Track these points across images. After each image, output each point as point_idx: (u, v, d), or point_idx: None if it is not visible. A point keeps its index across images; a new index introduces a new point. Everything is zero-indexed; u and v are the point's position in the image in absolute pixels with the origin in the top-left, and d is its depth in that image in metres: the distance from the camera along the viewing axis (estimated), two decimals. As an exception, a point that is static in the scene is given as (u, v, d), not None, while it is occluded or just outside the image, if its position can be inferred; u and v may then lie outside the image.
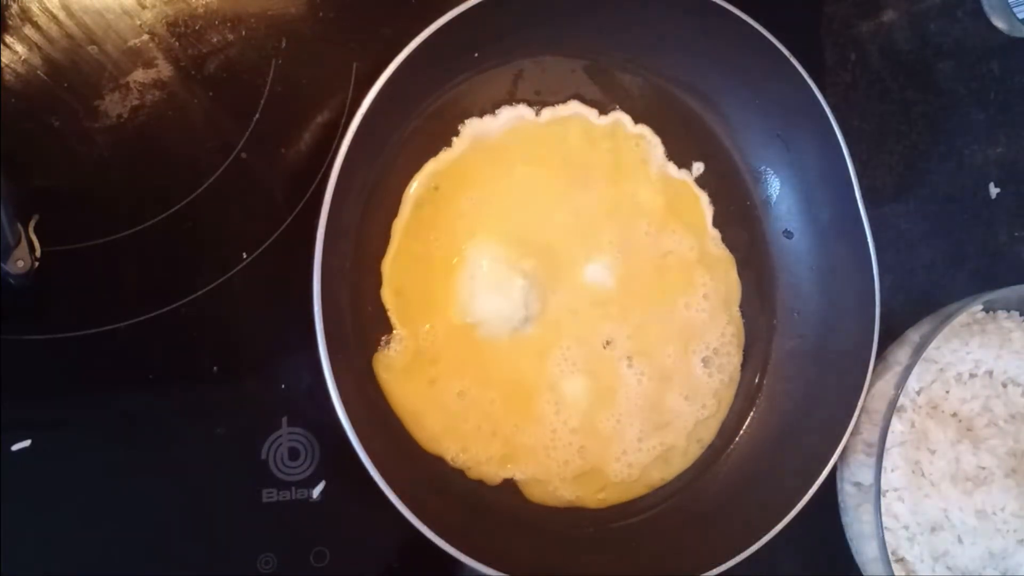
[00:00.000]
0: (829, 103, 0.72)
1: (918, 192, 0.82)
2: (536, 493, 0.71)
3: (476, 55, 0.71)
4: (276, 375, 0.66)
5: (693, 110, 0.77)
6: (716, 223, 0.78)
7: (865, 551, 0.71)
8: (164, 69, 0.66)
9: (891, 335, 0.74)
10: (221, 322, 0.66)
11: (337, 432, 0.60)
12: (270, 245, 0.67)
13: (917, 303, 0.77)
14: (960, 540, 0.72)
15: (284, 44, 0.68)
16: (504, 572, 0.62)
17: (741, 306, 0.77)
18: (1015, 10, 0.80)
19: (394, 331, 0.68)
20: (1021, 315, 0.78)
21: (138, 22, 0.65)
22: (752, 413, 0.77)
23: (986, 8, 0.83)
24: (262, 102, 0.67)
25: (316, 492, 0.66)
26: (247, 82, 0.67)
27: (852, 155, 0.72)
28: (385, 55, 0.63)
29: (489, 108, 0.72)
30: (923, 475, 0.72)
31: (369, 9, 0.70)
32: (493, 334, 0.71)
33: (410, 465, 0.67)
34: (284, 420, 0.66)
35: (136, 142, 0.65)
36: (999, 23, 0.82)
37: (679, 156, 0.77)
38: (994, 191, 0.84)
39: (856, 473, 0.71)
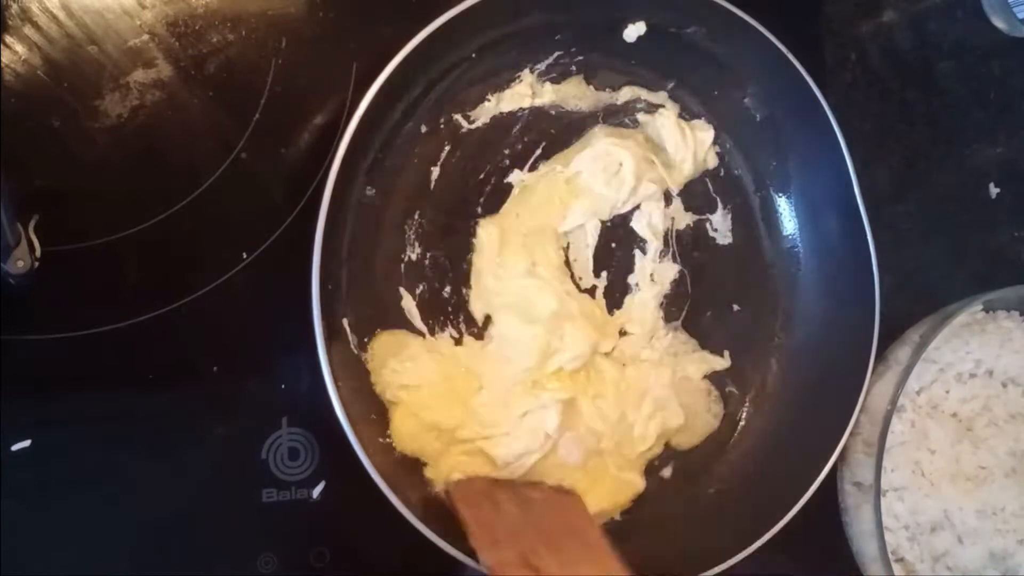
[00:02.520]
0: (829, 103, 0.72)
1: (918, 192, 0.82)
2: None
3: (474, 55, 0.71)
4: (276, 375, 0.66)
5: (693, 109, 0.77)
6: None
7: (865, 551, 0.71)
8: (164, 69, 0.66)
9: (891, 335, 0.74)
10: (221, 322, 0.66)
11: (337, 432, 0.60)
12: (270, 245, 0.67)
13: (917, 303, 0.77)
14: (960, 540, 0.72)
15: (284, 44, 0.68)
16: (504, 572, 0.62)
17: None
18: (1015, 10, 0.80)
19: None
20: (1021, 315, 0.78)
21: (138, 22, 0.65)
22: (752, 413, 0.77)
23: (986, 8, 0.82)
24: (262, 102, 0.67)
25: (316, 492, 0.66)
26: (247, 82, 0.67)
27: (852, 155, 0.72)
28: (385, 55, 0.63)
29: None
30: (923, 475, 0.72)
31: (369, 9, 0.70)
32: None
33: (410, 466, 0.67)
34: (284, 420, 0.66)
35: (136, 142, 0.65)
36: (999, 23, 0.82)
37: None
38: (994, 191, 0.84)
39: (856, 473, 0.71)
